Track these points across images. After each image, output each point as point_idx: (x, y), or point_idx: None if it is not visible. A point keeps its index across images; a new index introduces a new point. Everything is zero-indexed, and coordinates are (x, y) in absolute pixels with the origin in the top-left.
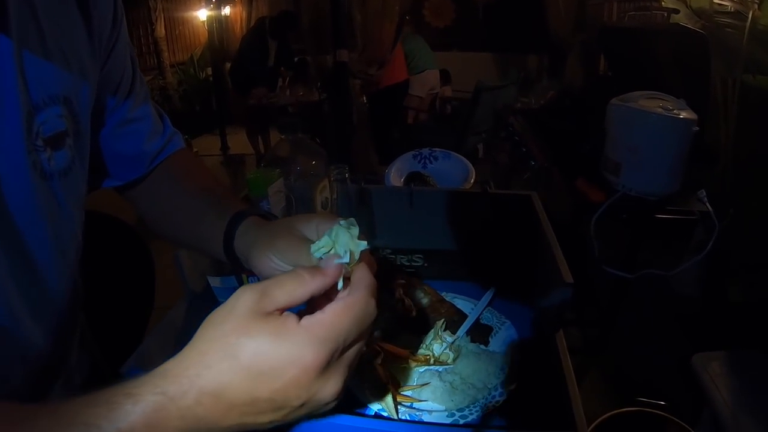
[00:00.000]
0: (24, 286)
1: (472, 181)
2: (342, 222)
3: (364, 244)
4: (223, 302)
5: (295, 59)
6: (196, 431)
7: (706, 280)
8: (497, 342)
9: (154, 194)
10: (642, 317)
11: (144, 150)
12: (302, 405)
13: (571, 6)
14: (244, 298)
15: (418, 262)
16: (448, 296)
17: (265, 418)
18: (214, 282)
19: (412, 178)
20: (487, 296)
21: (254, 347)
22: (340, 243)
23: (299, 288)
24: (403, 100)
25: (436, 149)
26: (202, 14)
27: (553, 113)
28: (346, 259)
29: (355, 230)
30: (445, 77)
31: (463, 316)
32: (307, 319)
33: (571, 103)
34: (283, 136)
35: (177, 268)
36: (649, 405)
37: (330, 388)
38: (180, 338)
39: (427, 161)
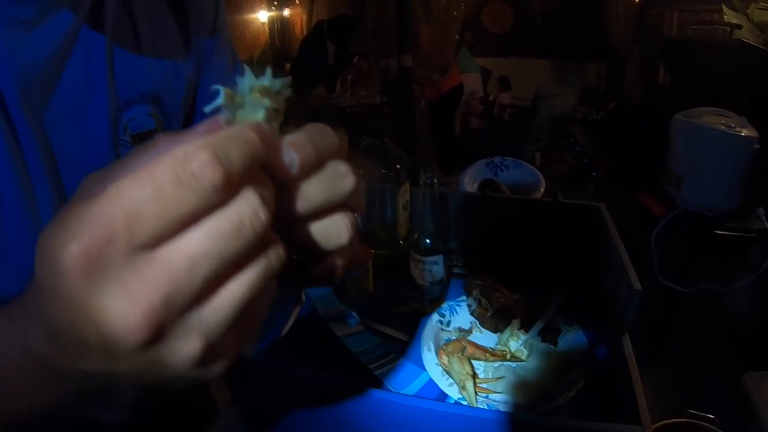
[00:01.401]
0: None
1: (542, 190)
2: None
3: (281, 82)
4: (312, 294)
5: (355, 60)
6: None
7: (761, 298)
8: (565, 342)
9: None
10: (695, 332)
11: None
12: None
13: (630, 14)
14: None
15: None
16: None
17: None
18: None
19: (486, 185)
20: (557, 300)
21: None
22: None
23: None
24: (458, 104)
25: (508, 158)
26: (263, 16)
27: (614, 124)
28: (216, 103)
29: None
30: (505, 84)
31: (535, 317)
32: None
33: (631, 113)
34: (369, 140)
35: None
36: (698, 417)
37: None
38: (265, 323)
39: (499, 169)
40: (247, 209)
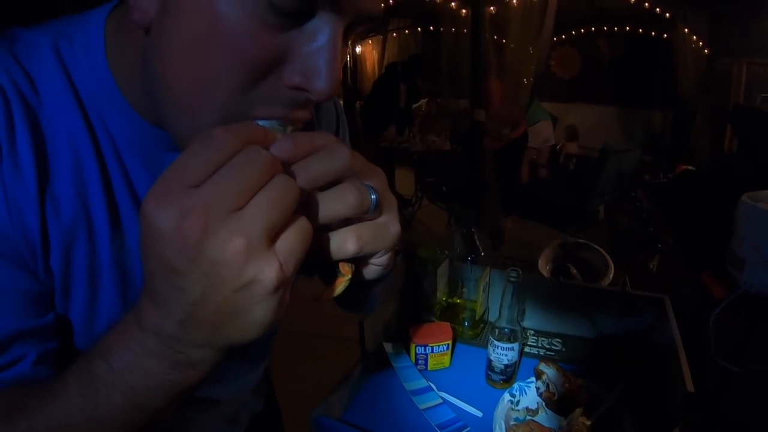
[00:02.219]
0: None
1: (611, 276)
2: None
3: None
4: (396, 366)
5: (424, 102)
6: (152, 341)
7: None
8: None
9: None
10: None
11: None
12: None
13: (699, 63)
14: None
15: (557, 345)
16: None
17: (183, 297)
18: (388, 348)
19: (559, 269)
20: (618, 389)
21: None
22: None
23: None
24: (523, 152)
25: (581, 240)
26: None
27: (681, 191)
28: (266, 123)
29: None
30: (572, 133)
31: (596, 405)
32: None
33: (699, 181)
34: (458, 227)
35: (359, 333)
36: None
37: (169, 220)
38: (356, 391)
39: (571, 249)
40: (254, 153)
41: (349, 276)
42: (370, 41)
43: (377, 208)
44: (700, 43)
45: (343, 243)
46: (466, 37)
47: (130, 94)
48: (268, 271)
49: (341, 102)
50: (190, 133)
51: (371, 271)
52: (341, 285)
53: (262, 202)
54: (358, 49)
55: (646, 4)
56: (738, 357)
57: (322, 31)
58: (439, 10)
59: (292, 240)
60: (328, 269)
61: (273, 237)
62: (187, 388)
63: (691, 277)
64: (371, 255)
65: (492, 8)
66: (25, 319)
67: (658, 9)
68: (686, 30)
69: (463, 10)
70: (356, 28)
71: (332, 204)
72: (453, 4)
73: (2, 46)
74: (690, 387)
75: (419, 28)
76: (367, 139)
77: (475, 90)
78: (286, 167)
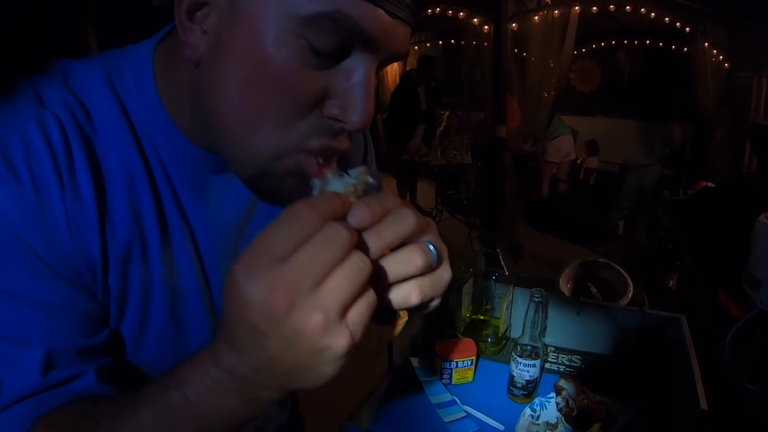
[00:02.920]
0: None
1: (630, 295)
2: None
3: (360, 174)
4: (422, 380)
5: (445, 115)
6: (237, 386)
7: None
8: None
9: None
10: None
11: None
12: (267, 327)
13: (719, 77)
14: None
15: (576, 362)
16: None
17: (262, 352)
18: (414, 362)
19: (579, 287)
20: (635, 406)
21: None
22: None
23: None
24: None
25: (601, 260)
26: None
27: (699, 209)
28: (337, 188)
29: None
30: (593, 148)
31: (614, 420)
32: None
33: (719, 199)
34: (484, 249)
35: (387, 348)
36: None
37: (259, 292)
38: (383, 403)
39: (591, 268)
40: (334, 231)
41: (407, 317)
42: None
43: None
44: (720, 57)
45: (407, 297)
46: (487, 50)
47: (180, 121)
48: (340, 341)
49: None
50: (245, 158)
51: (423, 309)
52: (400, 326)
53: (339, 281)
54: None
55: (666, 19)
56: (754, 376)
57: (357, 69)
58: (461, 25)
59: (362, 312)
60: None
61: (345, 309)
62: (250, 417)
63: (707, 295)
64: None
65: (514, 25)
66: (83, 337)
67: (678, 23)
68: (706, 44)
69: (486, 27)
70: (388, 64)
71: (402, 267)
72: (475, 20)
73: (57, 79)
74: (704, 405)
75: (440, 42)
76: (391, 150)
77: (497, 106)
78: (360, 231)
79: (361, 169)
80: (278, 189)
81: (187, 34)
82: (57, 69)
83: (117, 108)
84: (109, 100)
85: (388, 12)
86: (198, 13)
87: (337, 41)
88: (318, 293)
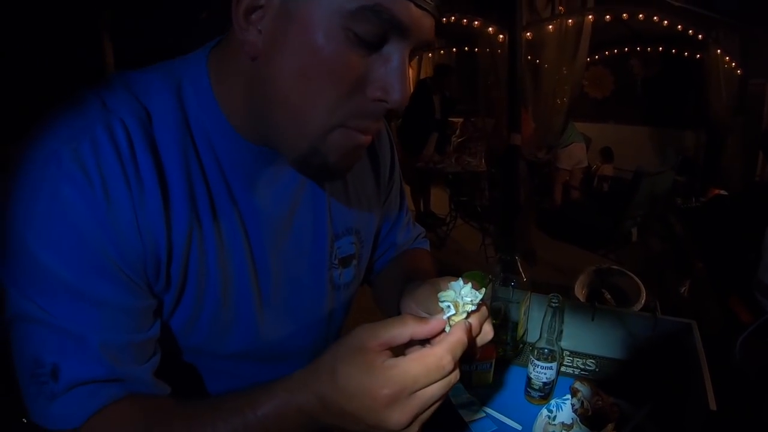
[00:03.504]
0: None
1: (643, 301)
2: (460, 280)
3: (479, 296)
4: None
5: (459, 122)
6: (307, 421)
7: None
8: None
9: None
10: None
11: (395, 255)
12: (374, 426)
13: (731, 83)
14: (357, 333)
15: (590, 366)
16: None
17: (350, 427)
18: None
19: (594, 294)
20: (647, 407)
21: (347, 373)
22: (461, 293)
23: (402, 329)
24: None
25: (615, 267)
26: None
27: (711, 217)
28: (449, 313)
29: (469, 289)
30: (607, 155)
31: (626, 421)
32: (391, 360)
33: (731, 207)
34: (503, 255)
35: None
36: None
37: (396, 418)
38: None
39: (605, 275)
40: (453, 377)
41: None
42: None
43: None
44: (733, 64)
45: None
46: (501, 58)
47: (234, 120)
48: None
49: None
50: (297, 138)
51: None
52: None
53: (435, 397)
54: None
55: (679, 27)
56: (764, 380)
57: (393, 55)
58: (476, 34)
59: (430, 413)
60: None
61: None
62: None
63: (719, 301)
64: None
65: (528, 34)
66: (137, 333)
67: (690, 31)
68: (719, 51)
69: (500, 36)
70: (417, 52)
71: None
72: (490, 29)
73: (120, 88)
74: (713, 406)
75: (453, 49)
76: (405, 157)
77: (512, 115)
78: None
79: (480, 295)
80: (324, 165)
81: (244, 34)
82: (119, 79)
83: (177, 111)
84: (170, 103)
85: (416, 5)
86: (253, 15)
87: (377, 30)
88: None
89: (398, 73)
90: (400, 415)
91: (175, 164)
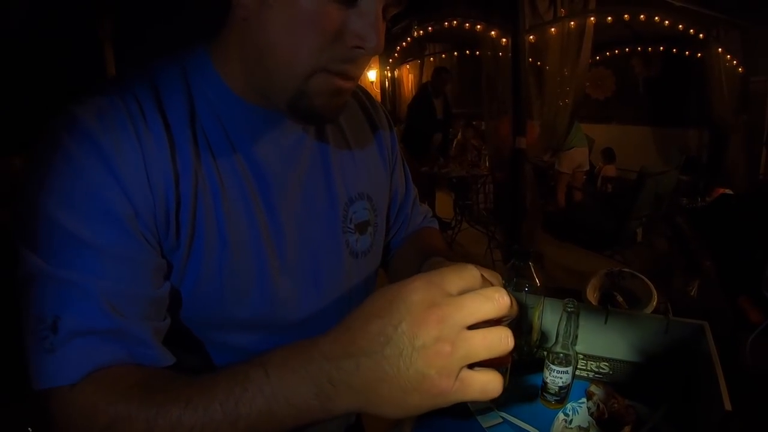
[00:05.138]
0: None
1: (654, 303)
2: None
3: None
4: None
5: (460, 127)
6: (317, 371)
7: None
8: None
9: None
10: None
11: (408, 234)
12: (399, 354)
13: (733, 82)
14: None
15: (604, 369)
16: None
17: (366, 375)
18: None
19: (606, 297)
20: (662, 410)
21: (358, 310)
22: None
23: (472, 281)
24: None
25: (626, 269)
26: (372, 75)
27: (718, 216)
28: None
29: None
30: (609, 156)
31: (642, 423)
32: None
33: (737, 206)
34: (516, 261)
35: None
36: None
37: (418, 301)
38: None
39: (616, 278)
40: (497, 293)
41: None
42: (407, 66)
43: None
44: (734, 62)
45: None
46: (504, 61)
47: (233, 83)
48: (444, 382)
49: None
50: (285, 82)
51: None
52: None
53: (481, 340)
54: (396, 74)
55: (680, 26)
56: None
57: (369, 8)
58: (478, 38)
59: (476, 380)
60: None
61: (467, 366)
62: (314, 419)
63: (728, 301)
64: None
65: (531, 37)
66: (143, 287)
67: (691, 30)
68: (720, 49)
69: (503, 39)
70: (391, 9)
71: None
72: (493, 33)
73: (127, 69)
74: (728, 406)
75: (455, 52)
76: (410, 161)
77: (517, 118)
78: None
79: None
80: (311, 108)
81: None
82: (125, 68)
83: (181, 82)
84: (175, 77)
85: None
86: None
87: None
88: (459, 334)
89: (373, 24)
90: (430, 303)
91: (182, 124)
